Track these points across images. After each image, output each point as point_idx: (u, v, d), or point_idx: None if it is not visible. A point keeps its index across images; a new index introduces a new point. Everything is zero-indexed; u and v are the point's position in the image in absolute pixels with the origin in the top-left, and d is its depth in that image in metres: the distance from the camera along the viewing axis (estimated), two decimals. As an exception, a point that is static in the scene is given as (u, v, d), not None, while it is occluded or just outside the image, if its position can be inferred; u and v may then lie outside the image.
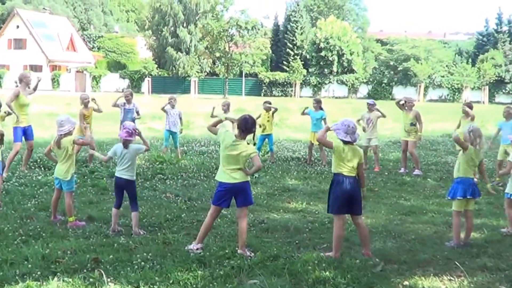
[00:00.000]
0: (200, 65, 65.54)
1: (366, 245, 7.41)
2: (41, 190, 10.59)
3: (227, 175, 7.17)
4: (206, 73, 67.21)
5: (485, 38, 70.91)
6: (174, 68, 64.73)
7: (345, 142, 7.21)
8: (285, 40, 69.03)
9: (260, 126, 14.70)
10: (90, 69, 66.47)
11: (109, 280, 6.07)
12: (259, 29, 59.50)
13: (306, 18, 72.02)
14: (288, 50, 68.06)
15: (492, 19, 73.20)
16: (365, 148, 14.46)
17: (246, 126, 7.20)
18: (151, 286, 5.99)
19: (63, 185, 8.45)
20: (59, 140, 8.29)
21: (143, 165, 13.35)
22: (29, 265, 6.40)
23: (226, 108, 14.69)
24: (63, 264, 6.52)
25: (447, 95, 63.03)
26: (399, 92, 62.45)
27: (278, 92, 65.24)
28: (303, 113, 15.30)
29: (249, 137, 7.37)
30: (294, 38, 68.20)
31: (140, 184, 11.51)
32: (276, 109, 15.36)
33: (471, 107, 13.49)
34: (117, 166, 8.23)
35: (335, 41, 63.73)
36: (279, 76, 65.63)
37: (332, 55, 64.16)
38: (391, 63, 65.34)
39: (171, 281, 6.13)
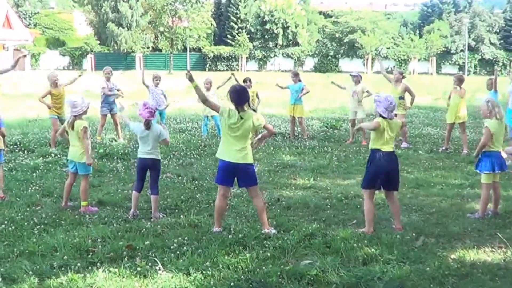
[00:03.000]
0: (143, 40, 64.05)
1: (398, 220, 7.36)
2: (34, 174, 10.07)
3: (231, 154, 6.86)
4: (150, 49, 65.75)
5: (430, 9, 71.75)
6: (116, 44, 62.92)
7: (383, 117, 7.06)
8: (228, 14, 68.01)
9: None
10: (28, 47, 63.88)
11: (157, 267, 5.73)
12: (203, 2, 58.53)
13: (249, -9, 71.10)
14: (231, 23, 67.15)
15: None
16: (352, 121, 14.43)
17: (236, 96, 6.84)
18: (204, 272, 5.68)
19: (79, 168, 7.97)
20: (73, 122, 7.81)
21: (127, 145, 12.95)
22: (64, 256, 5.98)
23: (209, 86, 14.44)
24: (97, 254, 6.13)
25: (394, 66, 63.75)
26: (346, 65, 63.22)
27: (222, 66, 64.54)
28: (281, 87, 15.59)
29: None
30: (237, 11, 67.28)
31: (135, 164, 11.10)
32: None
33: (462, 80, 13.41)
34: (140, 148, 7.82)
35: (279, 14, 63.43)
36: (224, 50, 64.91)
37: (277, 28, 63.88)
38: (337, 35, 65.48)
39: (220, 266, 5.84)
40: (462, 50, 64.39)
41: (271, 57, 65.72)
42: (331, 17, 71.03)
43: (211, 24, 63.27)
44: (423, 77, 52.72)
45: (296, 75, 15.32)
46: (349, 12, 67.71)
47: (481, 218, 7.83)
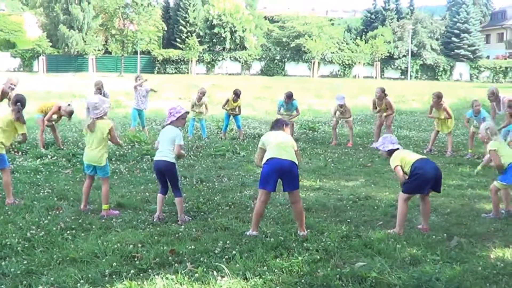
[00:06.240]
0: (95, 43, 62.95)
1: (426, 221, 7.47)
2: (38, 176, 9.78)
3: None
4: (102, 51, 64.65)
5: (373, 16, 73.38)
6: (67, 46, 61.69)
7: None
8: (178, 17, 67.61)
9: (232, 110, 14.62)
10: (-21, 48, 62.06)
11: (214, 273, 5.59)
12: (154, 6, 58.17)
13: (198, -5, 70.71)
14: (180, 27, 66.71)
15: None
16: (335, 123, 14.55)
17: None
18: (262, 276, 5.57)
19: (99, 171, 7.78)
20: (93, 123, 7.56)
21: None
22: (113, 263, 5.75)
23: (202, 95, 14.57)
24: (145, 259, 5.92)
25: (338, 70, 65.15)
26: (292, 68, 64.16)
27: (171, 69, 64.12)
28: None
29: None
30: (187, 15, 66.91)
31: (136, 166, 10.94)
32: None
33: (440, 96, 13.55)
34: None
35: (227, 18, 63.42)
36: (173, 53, 64.45)
37: (225, 32, 63.85)
38: (284, 39, 66.14)
39: (274, 270, 5.75)
40: (404, 56, 66.32)
41: (219, 61, 65.61)
42: (277, 22, 71.61)
43: (162, 28, 62.84)
44: (368, 81, 54.15)
45: (289, 97, 14.82)
46: (295, 17, 68.49)
47: (498, 218, 8.03)
